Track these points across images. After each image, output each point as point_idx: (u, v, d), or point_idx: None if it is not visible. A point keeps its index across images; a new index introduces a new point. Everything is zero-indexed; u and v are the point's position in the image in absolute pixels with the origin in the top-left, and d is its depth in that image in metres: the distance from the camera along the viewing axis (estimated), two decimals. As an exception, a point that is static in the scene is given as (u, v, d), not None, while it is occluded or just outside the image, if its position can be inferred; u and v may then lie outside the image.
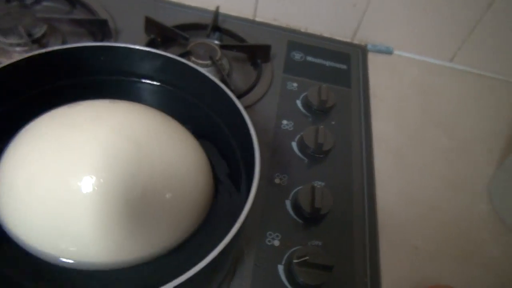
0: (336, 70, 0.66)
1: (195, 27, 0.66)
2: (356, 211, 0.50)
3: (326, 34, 0.73)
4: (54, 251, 0.31)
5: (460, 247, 0.50)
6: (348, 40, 0.73)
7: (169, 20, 0.65)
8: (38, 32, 0.58)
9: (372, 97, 0.64)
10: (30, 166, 0.32)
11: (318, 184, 0.50)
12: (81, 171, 0.31)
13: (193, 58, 0.59)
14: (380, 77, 0.68)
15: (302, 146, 0.53)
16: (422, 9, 0.68)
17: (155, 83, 0.45)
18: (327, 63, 0.67)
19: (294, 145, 0.54)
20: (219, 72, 0.57)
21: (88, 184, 0.30)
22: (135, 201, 0.31)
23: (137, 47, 0.41)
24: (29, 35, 0.57)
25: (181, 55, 0.58)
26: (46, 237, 0.31)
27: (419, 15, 0.68)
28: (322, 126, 0.53)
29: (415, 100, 0.66)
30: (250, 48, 0.63)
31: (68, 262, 0.32)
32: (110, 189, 0.30)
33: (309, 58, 0.67)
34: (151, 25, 0.62)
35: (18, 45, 0.56)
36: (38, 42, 0.58)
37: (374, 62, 0.70)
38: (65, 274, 0.32)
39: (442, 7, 0.67)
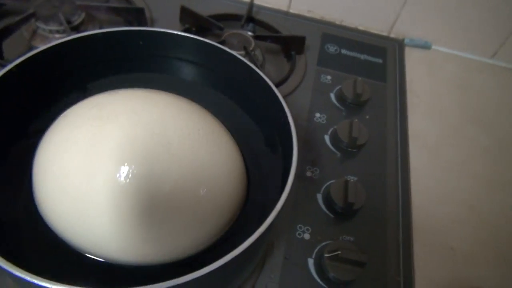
0: (371, 64, 0.65)
1: (230, 18, 0.66)
2: (389, 208, 0.48)
3: (362, 27, 0.71)
4: (82, 244, 0.32)
5: (498, 250, 0.48)
6: (385, 33, 0.71)
7: (204, 10, 0.65)
8: (77, 19, 0.59)
9: (408, 92, 0.62)
10: (64, 155, 0.32)
11: (351, 178, 0.49)
12: (111, 164, 0.31)
13: (228, 47, 0.58)
14: (417, 72, 0.66)
15: (335, 139, 0.52)
16: (464, 3, 0.65)
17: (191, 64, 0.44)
18: (362, 57, 0.65)
19: (326, 138, 0.53)
20: (253, 62, 0.57)
21: (119, 177, 0.30)
22: (165, 197, 0.31)
23: (179, 32, 0.41)
24: (68, 22, 0.58)
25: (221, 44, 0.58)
26: (76, 229, 0.32)
27: (460, 9, 0.66)
28: (356, 120, 0.52)
29: (453, 97, 0.64)
30: (284, 39, 0.62)
31: (96, 259, 0.32)
32: (141, 183, 0.30)
33: (344, 51, 0.66)
34: (186, 14, 0.62)
35: (58, 31, 0.58)
36: (77, 29, 0.59)
37: (411, 57, 0.68)
38: (93, 267, 0.32)
39: (484, 0, 0.64)
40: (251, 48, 0.59)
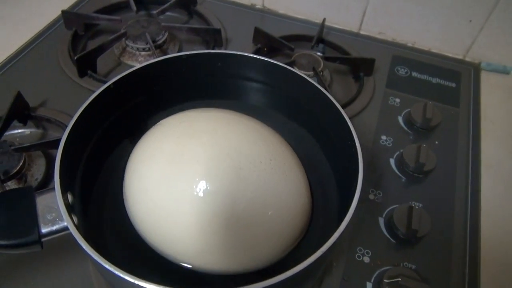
0: (444, 87, 0.63)
1: (300, 39, 0.68)
2: (456, 238, 0.47)
3: (435, 49, 0.69)
4: (167, 252, 0.35)
5: None
6: (460, 57, 0.69)
7: (276, 30, 0.68)
8: (161, 38, 0.65)
9: (483, 118, 0.60)
10: (152, 165, 0.36)
11: (416, 205, 0.48)
12: (190, 178, 0.34)
13: (295, 68, 0.60)
14: (494, 97, 0.63)
15: (401, 163, 0.52)
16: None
17: (263, 85, 0.47)
18: (434, 80, 0.64)
19: (392, 162, 0.53)
20: (321, 83, 0.58)
21: (198, 191, 0.34)
22: (235, 215, 0.34)
23: (253, 55, 0.44)
24: (153, 41, 0.64)
25: (286, 64, 0.60)
26: (165, 239, 0.35)
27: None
28: (424, 145, 0.51)
29: (534, 126, 0.60)
30: (353, 61, 0.63)
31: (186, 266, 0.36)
32: (213, 200, 0.33)
33: (415, 74, 0.65)
34: (259, 35, 0.66)
35: (144, 49, 0.64)
36: (160, 47, 0.65)
37: (488, 82, 0.65)
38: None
39: None
40: (319, 69, 0.60)
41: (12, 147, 0.48)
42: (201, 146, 0.35)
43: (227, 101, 0.47)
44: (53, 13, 0.69)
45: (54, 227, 0.30)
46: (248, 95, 0.47)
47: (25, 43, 0.65)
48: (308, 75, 0.60)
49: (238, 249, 0.35)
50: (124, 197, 0.38)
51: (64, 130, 0.34)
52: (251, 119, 0.41)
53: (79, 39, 0.68)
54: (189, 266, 0.36)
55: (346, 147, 0.36)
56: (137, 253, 0.37)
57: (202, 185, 0.33)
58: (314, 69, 0.60)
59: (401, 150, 0.53)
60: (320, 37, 0.68)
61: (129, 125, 0.43)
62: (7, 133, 0.52)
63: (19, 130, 0.54)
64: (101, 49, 0.60)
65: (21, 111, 0.53)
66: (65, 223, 0.29)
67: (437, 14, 0.65)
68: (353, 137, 0.35)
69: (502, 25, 0.63)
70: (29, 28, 0.68)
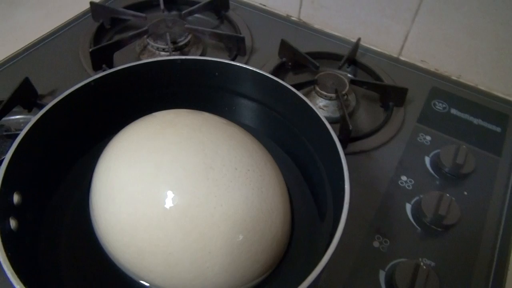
0: (486, 131, 0.55)
1: (331, 57, 0.63)
2: (469, 313, 0.39)
3: (483, 86, 0.61)
4: (137, 272, 0.32)
5: None
6: (511, 98, 0.60)
7: (307, 46, 0.63)
8: (182, 41, 0.62)
9: (529, 173, 0.51)
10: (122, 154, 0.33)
11: (426, 262, 0.41)
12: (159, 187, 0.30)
13: (317, 88, 0.55)
14: (546, 150, 0.54)
15: (418, 211, 0.45)
16: None
17: (255, 103, 0.43)
18: (476, 121, 0.56)
19: (408, 207, 0.46)
20: (341, 107, 0.53)
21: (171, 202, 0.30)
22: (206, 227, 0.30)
23: (252, 68, 0.40)
24: (174, 42, 0.61)
25: (307, 83, 0.55)
26: (131, 255, 0.32)
27: None
28: (448, 195, 0.44)
29: None
30: (382, 88, 0.57)
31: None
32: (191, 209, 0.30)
33: (454, 111, 0.57)
34: (285, 48, 0.61)
35: (163, 50, 0.61)
36: (180, 49, 0.62)
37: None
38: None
39: None
40: (343, 92, 0.54)
41: (6, 133, 0.47)
42: (177, 136, 0.32)
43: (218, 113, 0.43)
44: (86, 4, 0.69)
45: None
46: (241, 113, 0.43)
47: (52, 30, 0.65)
48: (330, 97, 0.55)
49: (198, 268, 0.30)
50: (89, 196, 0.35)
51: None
52: (241, 129, 0.37)
53: (105, 33, 0.67)
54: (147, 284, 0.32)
55: (335, 186, 0.31)
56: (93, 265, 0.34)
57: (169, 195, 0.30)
58: (336, 91, 0.54)
59: (421, 196, 0.46)
60: (351, 58, 0.62)
61: (107, 128, 0.40)
62: (11, 117, 0.51)
63: (23, 116, 0.53)
64: (118, 45, 0.58)
65: (27, 97, 0.52)
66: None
67: (490, 47, 0.57)
68: (343, 176, 0.30)
69: None
70: (60, 16, 0.68)
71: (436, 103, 0.58)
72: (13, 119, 0.52)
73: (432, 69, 0.64)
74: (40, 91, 0.53)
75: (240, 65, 0.39)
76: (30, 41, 0.62)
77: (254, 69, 0.39)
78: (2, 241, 0.24)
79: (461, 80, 0.62)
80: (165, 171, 0.31)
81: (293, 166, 0.42)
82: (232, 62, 0.39)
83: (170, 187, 0.31)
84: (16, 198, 0.29)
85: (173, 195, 0.31)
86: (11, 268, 0.23)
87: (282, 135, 0.42)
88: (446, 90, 0.60)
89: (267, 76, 0.39)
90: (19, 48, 0.61)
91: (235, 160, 0.33)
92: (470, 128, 0.55)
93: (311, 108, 0.36)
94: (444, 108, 0.58)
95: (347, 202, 0.29)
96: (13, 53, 0.60)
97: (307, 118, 0.36)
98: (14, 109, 0.51)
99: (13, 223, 0.28)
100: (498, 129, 0.55)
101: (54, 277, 0.33)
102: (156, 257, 0.31)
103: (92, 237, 0.35)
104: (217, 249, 0.30)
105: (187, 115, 0.37)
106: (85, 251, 0.35)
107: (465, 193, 0.47)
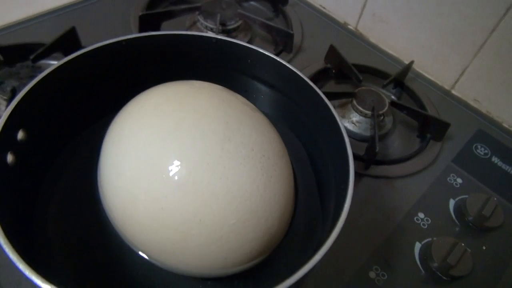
0: (525, 188, 0.50)
1: (377, 73, 0.60)
2: None
3: (536, 141, 0.56)
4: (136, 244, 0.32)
5: None
6: None
7: (356, 57, 0.60)
8: (232, 25, 0.61)
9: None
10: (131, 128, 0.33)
11: (421, 310, 0.38)
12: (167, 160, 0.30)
13: (354, 101, 0.53)
14: None
15: (426, 253, 0.42)
16: None
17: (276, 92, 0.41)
18: (518, 175, 0.52)
19: (417, 246, 0.43)
20: (373, 127, 0.50)
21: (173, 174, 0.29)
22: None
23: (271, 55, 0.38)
24: (224, 24, 0.61)
25: (345, 94, 0.53)
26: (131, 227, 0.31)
27: None
28: (463, 244, 0.40)
29: None
30: (423, 117, 0.53)
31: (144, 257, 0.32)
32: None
33: (495, 159, 0.53)
34: (332, 54, 0.59)
35: (211, 29, 0.61)
36: (228, 32, 0.61)
37: None
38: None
39: None
40: (380, 112, 0.52)
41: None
42: (207, 102, 0.32)
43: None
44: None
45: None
46: (261, 99, 0.41)
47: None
48: (365, 114, 0.52)
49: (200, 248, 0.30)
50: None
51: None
52: (265, 117, 0.36)
53: (161, 1, 0.67)
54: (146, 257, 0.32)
55: (338, 194, 0.29)
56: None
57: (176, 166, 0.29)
58: (373, 109, 0.51)
59: (434, 238, 0.42)
60: (399, 79, 0.59)
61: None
62: (50, 61, 0.53)
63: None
64: (168, 14, 0.59)
65: (69, 46, 0.53)
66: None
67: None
68: (347, 187, 0.28)
69: None
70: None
71: (478, 146, 0.54)
72: (51, 64, 0.54)
73: (484, 111, 0.59)
74: (83, 42, 0.54)
75: (269, 55, 0.38)
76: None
77: (278, 59, 0.38)
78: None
79: (512, 128, 0.58)
80: (183, 130, 0.30)
81: (304, 155, 0.40)
82: (265, 52, 0.38)
83: (183, 146, 0.30)
84: (20, 134, 0.29)
85: (184, 154, 0.30)
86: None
87: (298, 126, 0.40)
88: (493, 135, 0.56)
89: (287, 67, 0.37)
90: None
91: (254, 141, 0.32)
92: (509, 181, 0.51)
93: (329, 109, 0.34)
94: (485, 153, 0.53)
95: (344, 218, 0.27)
96: (69, 2, 0.62)
97: (325, 120, 0.35)
98: (55, 55, 0.52)
99: (10, 158, 0.28)
100: (541, 190, 0.50)
101: (44, 238, 0.33)
102: (148, 207, 0.30)
103: (91, 202, 0.34)
104: (208, 220, 0.29)
105: (221, 89, 0.36)
106: (82, 213, 0.35)
107: (484, 247, 0.44)
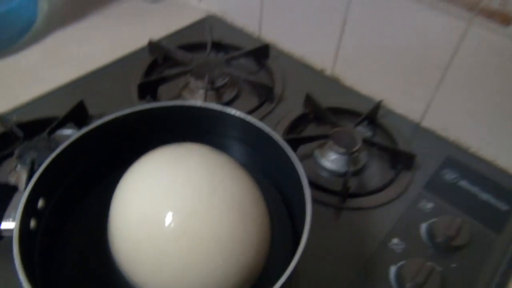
0: (492, 207, 0.55)
1: (352, 114, 0.67)
2: None
3: (501, 163, 0.61)
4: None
5: None
6: (529, 179, 0.60)
7: (333, 100, 0.68)
8: (220, 82, 0.70)
9: (529, 257, 0.51)
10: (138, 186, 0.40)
11: (396, 326, 0.43)
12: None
13: (330, 142, 0.59)
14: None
15: (398, 277, 0.47)
16: None
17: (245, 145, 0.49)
18: (484, 196, 0.56)
19: (392, 271, 0.48)
20: (348, 164, 0.56)
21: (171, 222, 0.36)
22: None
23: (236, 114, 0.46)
24: (212, 82, 0.69)
25: (320, 136, 0.60)
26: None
27: None
28: (429, 263, 0.45)
29: None
30: (391, 151, 0.59)
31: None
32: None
33: (463, 183, 0.58)
34: (309, 101, 0.66)
35: (202, 88, 0.69)
36: (217, 90, 0.70)
37: (554, 216, 0.55)
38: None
39: None
40: (353, 150, 0.58)
41: (54, 145, 0.56)
42: (195, 163, 0.40)
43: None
44: (143, 42, 0.79)
45: (11, 226, 0.35)
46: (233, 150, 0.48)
47: (110, 61, 0.76)
48: (340, 152, 0.58)
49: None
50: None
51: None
52: (243, 169, 0.43)
53: (157, 67, 0.76)
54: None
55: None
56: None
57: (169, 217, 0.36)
58: (347, 148, 0.58)
59: (406, 261, 0.47)
60: (371, 117, 0.65)
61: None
62: (64, 132, 0.61)
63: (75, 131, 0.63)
64: (163, 80, 0.67)
65: (80, 117, 0.62)
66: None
67: None
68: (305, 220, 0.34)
69: None
70: (120, 49, 0.78)
71: (448, 172, 0.60)
72: (65, 134, 0.62)
73: (452, 138, 0.65)
74: (91, 112, 0.63)
75: (231, 113, 0.45)
76: (90, 69, 0.73)
77: (241, 116, 0.45)
78: (19, 237, 0.31)
79: (480, 153, 0.63)
80: (177, 187, 0.38)
81: (277, 195, 0.47)
82: (229, 112, 0.45)
83: (177, 200, 0.37)
84: (40, 202, 0.37)
85: (178, 207, 0.37)
86: (20, 261, 0.30)
87: (270, 171, 0.47)
88: (461, 160, 0.61)
89: (248, 121, 0.45)
90: (80, 74, 0.72)
91: (234, 194, 0.38)
92: (476, 202, 0.56)
93: (287, 155, 0.41)
94: (454, 178, 0.59)
95: (301, 250, 0.32)
96: (75, 78, 0.71)
97: (286, 164, 0.41)
98: (68, 125, 0.61)
99: (32, 223, 0.35)
100: (506, 207, 0.55)
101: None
102: (149, 251, 0.36)
103: (101, 248, 0.41)
104: (199, 260, 0.35)
105: (208, 149, 0.43)
106: (93, 258, 0.41)
107: (453, 265, 0.48)
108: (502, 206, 0.56)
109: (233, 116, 0.45)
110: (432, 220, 0.53)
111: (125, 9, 0.91)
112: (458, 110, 0.63)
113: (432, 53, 0.61)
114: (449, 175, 0.59)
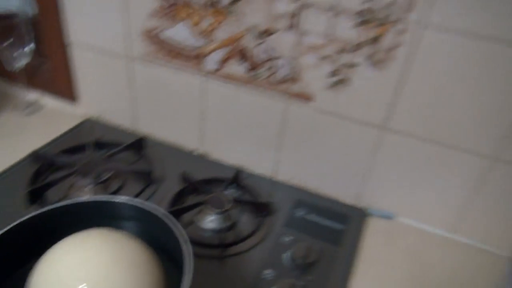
0: (331, 229, 0.74)
1: (219, 181, 0.83)
2: None
3: (334, 195, 0.82)
4: None
5: None
6: (352, 202, 0.81)
7: (205, 172, 0.83)
8: (105, 176, 0.80)
9: (362, 260, 0.70)
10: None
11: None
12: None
13: (209, 206, 0.73)
14: (375, 241, 0.74)
15: (272, 296, 0.61)
16: (426, 179, 0.74)
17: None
18: (326, 222, 0.76)
19: (268, 294, 0.62)
20: (224, 221, 0.71)
21: None
22: None
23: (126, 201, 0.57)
24: (98, 177, 0.79)
25: (198, 204, 0.74)
26: None
27: (423, 184, 0.74)
28: (292, 280, 0.61)
29: (406, 268, 0.69)
30: (254, 204, 0.76)
31: None
32: None
33: (310, 216, 0.77)
34: (185, 177, 0.80)
35: (90, 184, 0.78)
36: (103, 183, 0.80)
37: (374, 226, 0.77)
38: None
39: (444, 175, 0.72)
40: (225, 209, 0.73)
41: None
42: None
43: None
44: (27, 150, 0.86)
45: None
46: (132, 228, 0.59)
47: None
48: (218, 212, 0.73)
49: None
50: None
51: None
52: (135, 241, 0.53)
53: (44, 172, 0.83)
54: None
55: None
56: None
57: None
58: (221, 208, 0.73)
59: (276, 286, 0.62)
60: (235, 181, 0.82)
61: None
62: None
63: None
64: (49, 185, 0.75)
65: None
66: None
67: (334, 167, 0.80)
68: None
69: (386, 174, 0.76)
70: (2, 161, 0.84)
71: (298, 210, 0.78)
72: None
73: (300, 185, 0.85)
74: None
75: (114, 200, 0.57)
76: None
77: (122, 201, 0.57)
78: None
79: (319, 191, 0.84)
80: (81, 269, 0.47)
81: (168, 256, 0.56)
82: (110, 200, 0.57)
83: (81, 276, 0.46)
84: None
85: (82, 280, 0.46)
86: None
87: (159, 239, 0.57)
88: (306, 200, 0.81)
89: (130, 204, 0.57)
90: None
91: (131, 263, 0.49)
92: (321, 228, 0.75)
93: (169, 226, 0.53)
94: (303, 214, 0.77)
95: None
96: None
97: (170, 233, 0.54)
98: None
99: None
100: (342, 227, 0.75)
101: None
102: None
103: None
104: None
105: (108, 231, 0.53)
106: None
107: (310, 277, 0.65)
108: (340, 227, 0.75)
109: (119, 202, 0.57)
110: (292, 249, 0.69)
111: (2, 124, 0.97)
112: (300, 161, 0.84)
113: (269, 124, 0.82)
114: (299, 212, 0.78)
